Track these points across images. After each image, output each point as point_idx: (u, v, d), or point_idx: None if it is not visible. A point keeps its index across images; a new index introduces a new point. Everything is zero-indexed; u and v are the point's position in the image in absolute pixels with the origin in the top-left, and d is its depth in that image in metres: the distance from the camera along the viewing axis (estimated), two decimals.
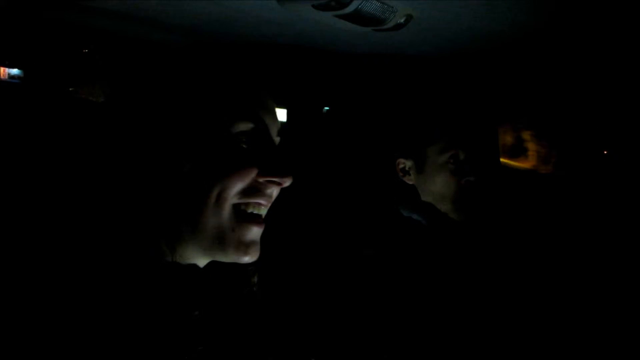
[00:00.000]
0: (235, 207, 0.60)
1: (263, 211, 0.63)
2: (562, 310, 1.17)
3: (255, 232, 0.62)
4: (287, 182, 0.62)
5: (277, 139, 0.66)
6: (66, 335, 0.50)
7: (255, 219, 0.61)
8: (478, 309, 1.09)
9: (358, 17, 0.80)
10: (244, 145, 0.60)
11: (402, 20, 0.80)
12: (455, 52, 1.06)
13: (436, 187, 1.12)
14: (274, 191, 0.63)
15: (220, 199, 0.58)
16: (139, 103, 0.63)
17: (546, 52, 1.08)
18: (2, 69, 1.17)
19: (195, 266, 0.63)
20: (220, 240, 0.59)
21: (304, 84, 1.43)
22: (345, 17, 0.81)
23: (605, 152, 1.45)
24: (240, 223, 0.60)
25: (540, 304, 1.15)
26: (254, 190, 0.60)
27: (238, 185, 0.59)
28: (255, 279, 0.76)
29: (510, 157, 1.67)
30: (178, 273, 0.60)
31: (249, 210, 0.61)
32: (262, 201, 0.61)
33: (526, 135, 1.64)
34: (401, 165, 1.18)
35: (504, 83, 1.38)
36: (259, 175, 0.60)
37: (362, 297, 1.07)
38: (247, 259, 0.61)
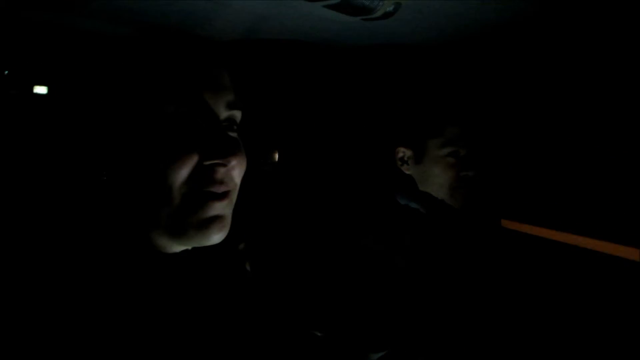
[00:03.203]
0: (189, 193, 0.57)
1: (223, 190, 0.60)
2: (560, 297, 1.17)
3: (216, 207, 0.58)
4: (232, 162, 0.59)
5: (228, 113, 0.62)
6: (61, 329, 0.50)
7: (214, 196, 0.58)
8: (478, 298, 1.08)
9: (347, 6, 0.80)
10: (182, 130, 0.57)
11: (390, 8, 0.81)
12: (446, 41, 1.06)
13: (434, 179, 1.13)
14: (226, 174, 0.59)
15: (170, 189, 0.56)
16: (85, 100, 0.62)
17: (545, 42, 1.06)
18: None
19: (176, 255, 0.63)
20: (182, 225, 0.57)
21: (298, 78, 1.43)
22: (334, 7, 0.81)
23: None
24: (197, 204, 0.57)
25: (540, 298, 1.14)
26: (202, 176, 0.57)
27: (182, 173, 0.56)
28: (248, 267, 0.75)
29: None
30: (162, 262, 0.60)
31: (206, 189, 0.58)
32: (214, 189, 0.58)
33: None
34: (400, 154, 1.18)
35: (502, 76, 1.36)
36: (201, 159, 0.57)
37: (361, 286, 1.07)
38: (215, 237, 0.58)
